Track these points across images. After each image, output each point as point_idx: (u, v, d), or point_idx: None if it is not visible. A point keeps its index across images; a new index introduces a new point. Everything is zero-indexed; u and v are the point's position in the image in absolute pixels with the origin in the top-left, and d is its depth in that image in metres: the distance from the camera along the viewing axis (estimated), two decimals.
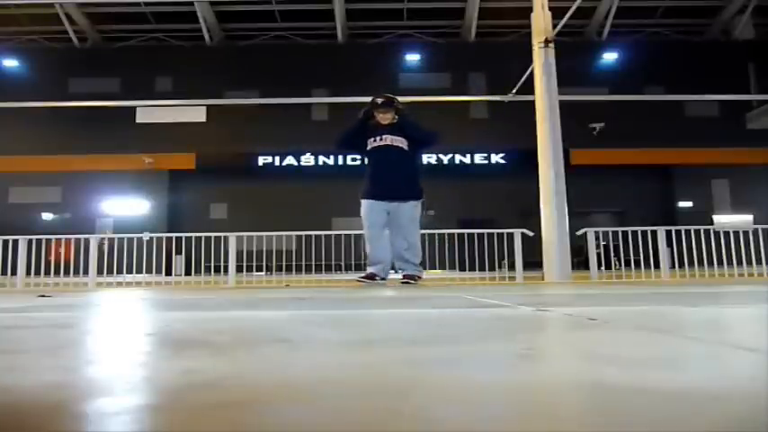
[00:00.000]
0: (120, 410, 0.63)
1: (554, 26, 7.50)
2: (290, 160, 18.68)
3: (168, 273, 10.88)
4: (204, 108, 18.50)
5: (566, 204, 7.08)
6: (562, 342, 1.32)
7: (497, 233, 7.64)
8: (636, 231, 7.84)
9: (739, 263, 7.19)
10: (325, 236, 7.99)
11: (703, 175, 18.66)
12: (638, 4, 19.17)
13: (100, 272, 7.66)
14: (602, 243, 8.34)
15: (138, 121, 18.81)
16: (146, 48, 20.27)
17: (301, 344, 1.23)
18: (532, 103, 7.56)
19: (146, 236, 8.58)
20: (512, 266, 7.26)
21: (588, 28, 19.90)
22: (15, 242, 7.36)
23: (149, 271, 8.89)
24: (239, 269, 7.70)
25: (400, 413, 0.61)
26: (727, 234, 7.51)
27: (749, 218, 12.66)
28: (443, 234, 8.20)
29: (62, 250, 7.80)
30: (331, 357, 1.02)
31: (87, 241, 7.55)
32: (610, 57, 19.62)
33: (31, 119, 17.40)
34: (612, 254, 8.60)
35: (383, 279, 5.24)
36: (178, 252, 12.18)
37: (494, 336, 1.35)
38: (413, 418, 0.59)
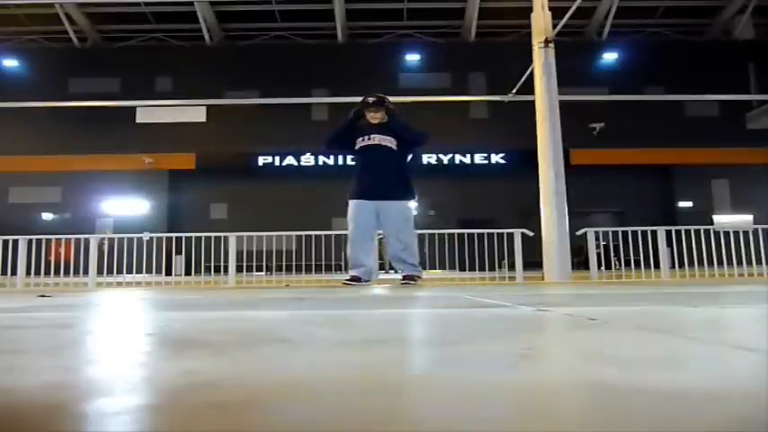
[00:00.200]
0: (120, 410, 0.63)
1: (554, 26, 7.50)
2: (290, 160, 18.69)
3: (168, 273, 10.88)
4: (204, 108, 18.50)
5: (566, 204, 7.08)
6: (562, 342, 1.32)
7: (497, 233, 7.65)
8: (636, 231, 7.85)
9: (739, 263, 7.19)
10: (325, 236, 7.99)
11: (703, 175, 18.67)
12: (638, 4, 19.18)
13: (100, 272, 7.67)
14: (602, 243, 8.34)
15: (138, 121, 18.82)
16: (146, 48, 20.28)
17: (301, 344, 1.23)
18: (532, 103, 7.56)
19: (146, 236, 8.58)
20: (512, 266, 7.26)
21: (588, 28, 19.91)
22: (15, 242, 7.36)
23: (149, 271, 8.89)
24: (239, 269, 7.71)
25: (400, 413, 0.61)
26: (727, 234, 7.52)
27: (749, 218, 12.65)
28: (443, 234, 8.20)
29: (62, 250, 7.80)
30: (331, 357, 1.02)
31: (87, 241, 7.55)
32: (610, 57, 19.63)
33: (31, 119, 17.41)
34: (612, 254, 8.60)
35: (367, 281, 5.21)
36: (178, 252, 12.18)
37: (494, 335, 1.35)
38: (412, 419, 0.59)
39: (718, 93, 15.84)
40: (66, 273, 7.53)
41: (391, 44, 20.15)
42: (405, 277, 5.14)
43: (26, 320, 2.02)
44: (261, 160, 18.69)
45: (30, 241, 7.44)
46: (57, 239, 7.80)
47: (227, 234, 7.55)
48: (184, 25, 19.73)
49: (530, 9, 7.74)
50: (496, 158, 18.87)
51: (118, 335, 1.59)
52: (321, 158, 18.52)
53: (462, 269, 8.80)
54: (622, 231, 8.26)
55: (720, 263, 7.31)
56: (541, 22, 7.43)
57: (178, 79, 19.08)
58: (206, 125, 18.75)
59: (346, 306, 2.56)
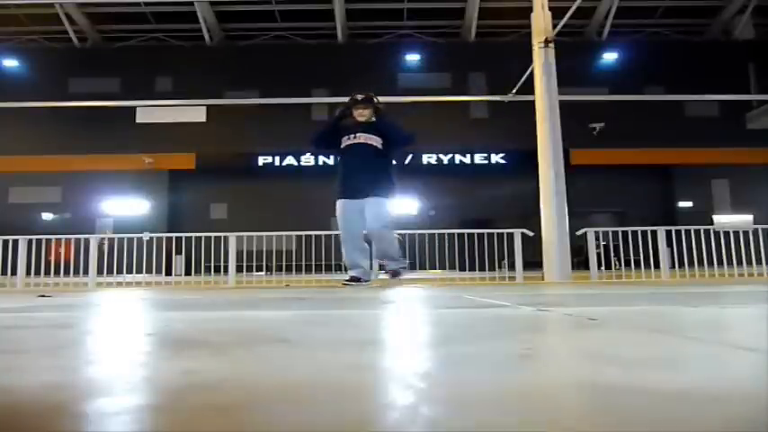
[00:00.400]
0: (120, 410, 0.63)
1: (554, 26, 7.50)
2: (290, 160, 18.68)
3: (168, 273, 10.88)
4: (204, 108, 18.50)
5: (566, 204, 7.09)
6: (562, 342, 1.32)
7: (497, 233, 7.65)
8: (636, 231, 7.85)
9: (739, 263, 7.19)
10: (326, 236, 7.99)
11: (703, 175, 18.66)
12: (638, 4, 19.17)
13: (100, 272, 7.67)
14: (602, 243, 8.34)
15: (138, 121, 18.81)
16: (146, 48, 20.27)
17: (301, 344, 1.23)
18: (532, 103, 7.56)
19: (146, 236, 8.58)
20: (512, 266, 7.26)
21: (588, 28, 19.90)
22: (15, 242, 7.36)
23: (149, 271, 8.89)
24: (239, 269, 7.71)
25: (399, 413, 0.61)
26: (727, 234, 7.52)
27: (749, 218, 12.64)
28: (443, 234, 8.20)
29: (62, 250, 7.80)
30: (331, 357, 1.02)
31: (87, 241, 7.55)
32: (610, 57, 19.62)
33: (31, 119, 17.40)
34: (612, 254, 8.60)
35: (367, 281, 5.19)
36: (178, 252, 12.18)
37: (494, 336, 1.35)
38: (412, 418, 0.59)
39: (718, 93, 15.83)
40: (66, 273, 7.53)
41: (391, 44, 20.14)
42: (391, 273, 5.15)
43: (26, 320, 2.02)
44: (261, 160, 18.68)
45: (30, 241, 7.44)
46: (57, 239, 7.80)
47: (227, 234, 7.55)
48: (184, 25, 19.73)
49: (530, 9, 7.74)
50: (496, 158, 18.87)
51: (118, 335, 1.59)
52: (321, 158, 18.51)
53: (462, 269, 8.80)
54: (622, 231, 8.26)
55: (720, 263, 7.31)
56: (541, 22, 7.43)
57: (178, 79, 19.08)
58: (206, 125, 18.75)
59: (346, 306, 2.56)
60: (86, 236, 7.75)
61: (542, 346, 1.23)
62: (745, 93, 18.17)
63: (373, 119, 5.25)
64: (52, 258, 7.63)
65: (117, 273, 8.64)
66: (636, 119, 17.62)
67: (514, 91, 10.06)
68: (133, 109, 18.45)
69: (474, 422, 0.57)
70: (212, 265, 8.65)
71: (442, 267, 9.17)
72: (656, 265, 7.49)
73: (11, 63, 19.62)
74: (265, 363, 0.97)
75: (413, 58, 20.11)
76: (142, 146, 18.06)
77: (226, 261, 7.46)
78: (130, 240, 8.33)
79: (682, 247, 7.38)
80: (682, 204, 18.74)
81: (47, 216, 18.56)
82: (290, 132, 17.91)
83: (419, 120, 16.09)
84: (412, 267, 13.63)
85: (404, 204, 17.94)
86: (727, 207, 18.38)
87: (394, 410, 0.62)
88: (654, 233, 7.45)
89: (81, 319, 2.14)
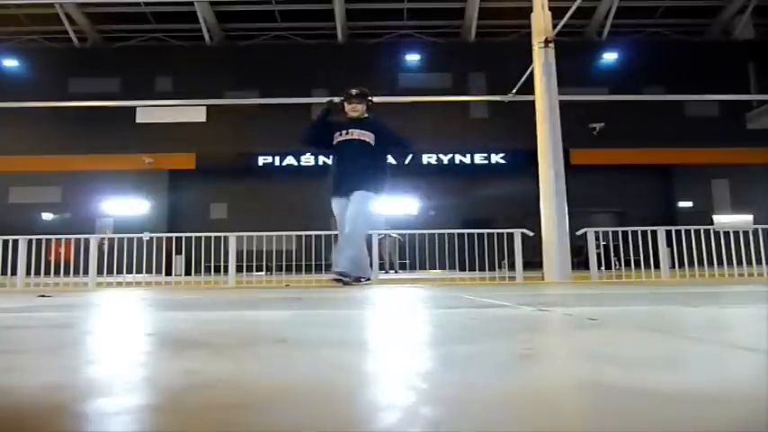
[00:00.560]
0: (120, 410, 0.63)
1: (554, 26, 7.50)
2: (290, 160, 18.68)
3: (168, 273, 10.88)
4: (204, 108, 18.50)
5: (566, 204, 7.08)
6: (562, 342, 1.32)
7: (497, 233, 7.65)
8: (636, 231, 7.85)
9: (739, 263, 7.19)
10: (326, 236, 7.99)
11: (703, 175, 18.67)
12: (638, 4, 19.17)
13: (100, 272, 7.66)
14: (602, 243, 8.34)
15: (138, 121, 18.82)
16: (146, 48, 20.28)
17: (301, 344, 1.23)
18: (532, 103, 7.56)
19: (146, 236, 8.58)
20: (512, 266, 7.26)
21: (588, 28, 19.91)
22: (15, 242, 7.36)
23: (149, 271, 8.89)
24: (239, 269, 7.70)
25: (399, 413, 0.61)
26: (727, 234, 7.52)
27: (749, 218, 12.64)
28: (443, 234, 8.20)
29: (62, 250, 7.80)
30: (331, 357, 1.02)
31: (87, 241, 7.55)
32: (610, 57, 19.63)
33: (31, 119, 17.41)
34: (612, 254, 8.60)
35: (368, 279, 5.14)
36: (178, 252, 12.18)
37: (494, 335, 1.35)
38: (411, 419, 0.59)
39: (718, 93, 15.84)
40: (66, 273, 7.53)
41: (391, 44, 20.15)
42: (337, 274, 4.83)
43: (26, 320, 2.02)
44: (261, 160, 18.68)
45: (30, 241, 7.44)
46: (57, 239, 7.80)
47: (227, 234, 7.55)
48: (184, 25, 19.73)
49: (530, 9, 7.73)
50: (496, 158, 18.87)
51: (118, 335, 1.59)
52: (321, 158, 18.52)
53: (462, 269, 8.80)
54: (622, 231, 8.26)
55: (720, 263, 7.31)
56: (541, 22, 7.43)
57: (178, 79, 19.08)
58: (206, 125, 18.75)
59: (347, 306, 2.56)
60: (86, 236, 7.75)
61: (542, 346, 1.23)
62: (745, 93, 18.18)
63: (366, 115, 5.20)
64: (52, 258, 7.63)
65: (117, 273, 8.64)
66: (636, 119, 17.62)
67: (514, 91, 10.06)
68: (133, 109, 18.45)
69: (475, 422, 0.57)
70: (212, 265, 8.65)
71: (442, 267, 9.17)
72: (656, 265, 7.48)
73: (11, 63, 19.63)
74: (265, 363, 0.97)
75: (413, 58, 20.11)
76: (142, 146, 18.07)
77: (226, 261, 7.46)
78: (130, 240, 8.33)
79: (682, 247, 7.38)
80: (682, 204, 18.74)
81: (47, 216, 18.57)
82: (290, 132, 17.84)
83: (419, 120, 16.14)
84: (411, 267, 13.68)
85: (404, 204, 17.96)
86: (727, 207, 18.39)
87: (394, 410, 0.62)
88: (654, 233, 7.45)
89: (81, 319, 2.14)
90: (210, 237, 7.83)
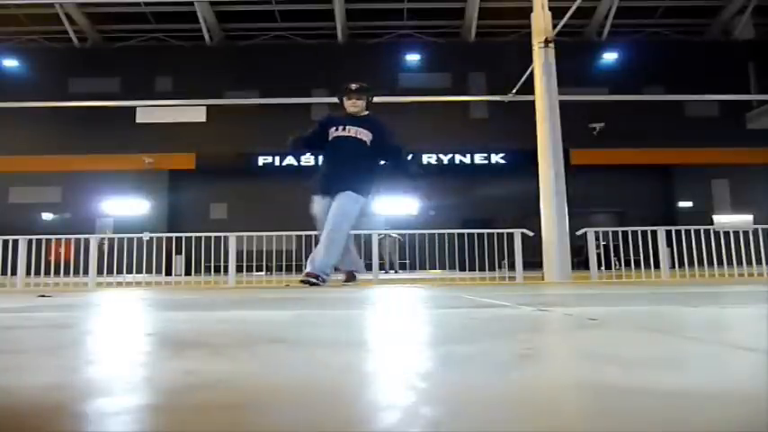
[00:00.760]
0: (120, 410, 0.63)
1: (554, 26, 7.50)
2: (290, 160, 18.68)
3: (168, 273, 10.89)
4: (204, 108, 18.50)
5: (566, 204, 7.09)
6: (562, 342, 1.32)
7: (497, 233, 7.65)
8: (636, 231, 7.85)
9: (739, 263, 7.20)
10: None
11: (703, 175, 18.67)
12: (638, 4, 19.17)
13: (100, 272, 7.67)
14: (602, 243, 8.34)
15: (138, 121, 18.82)
16: (146, 48, 20.28)
17: (301, 344, 1.23)
18: (532, 103, 7.56)
19: (146, 236, 8.59)
20: (512, 266, 7.26)
21: (588, 28, 19.90)
22: (15, 242, 7.36)
23: (149, 271, 8.90)
24: (239, 269, 7.71)
25: (399, 413, 0.61)
26: (727, 234, 7.52)
27: (749, 218, 12.63)
28: (443, 234, 8.20)
29: (62, 250, 7.80)
30: (331, 357, 1.02)
31: (87, 241, 7.55)
32: (610, 57, 19.63)
33: (31, 119, 17.41)
34: (612, 254, 8.60)
35: (353, 274, 4.96)
36: (178, 252, 12.18)
37: (494, 335, 1.35)
38: (412, 418, 0.59)
39: (718, 93, 15.84)
40: (66, 273, 7.54)
41: (391, 44, 20.15)
42: (306, 275, 4.67)
43: (26, 320, 2.02)
44: (261, 160, 18.68)
45: (30, 241, 7.44)
46: (57, 239, 7.80)
47: (227, 234, 7.55)
48: (184, 25, 19.73)
49: (530, 9, 7.74)
50: (496, 158, 18.87)
51: (118, 335, 1.59)
52: (321, 158, 18.50)
53: (462, 269, 8.81)
54: (622, 231, 8.26)
55: (720, 263, 7.31)
56: (541, 22, 7.43)
57: (178, 79, 19.08)
58: (206, 125, 18.75)
59: (347, 306, 2.56)
60: (86, 236, 7.75)
61: (542, 346, 1.23)
62: (745, 93, 18.18)
63: (365, 112, 4.99)
64: (52, 258, 7.63)
65: (117, 273, 8.65)
66: (636, 119, 17.62)
67: (514, 91, 10.06)
68: (133, 109, 18.45)
69: (475, 422, 0.57)
70: (212, 265, 8.65)
71: (442, 267, 9.17)
72: (656, 265, 7.49)
73: (11, 63, 19.63)
74: (265, 363, 0.97)
75: (413, 58, 20.11)
76: (142, 146, 18.07)
77: (226, 261, 7.46)
78: (130, 240, 8.34)
79: (682, 247, 7.38)
80: (682, 204, 18.75)
81: (47, 216, 18.57)
82: (290, 132, 17.93)
83: (419, 120, 16.16)
84: (411, 267, 13.68)
85: (404, 204, 17.96)
86: (727, 207, 18.39)
87: (394, 410, 0.62)
88: (654, 233, 7.46)
89: (81, 319, 2.13)
90: (210, 237, 7.83)
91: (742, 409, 0.61)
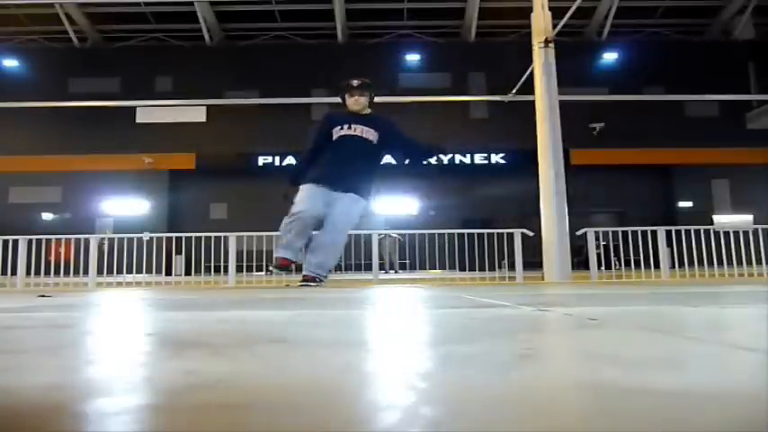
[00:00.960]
0: (120, 410, 0.63)
1: (554, 26, 7.51)
2: (290, 160, 18.67)
3: (168, 273, 10.89)
4: (204, 108, 18.51)
5: (566, 204, 7.09)
6: (562, 342, 1.32)
7: (497, 233, 7.65)
8: (636, 231, 7.86)
9: (739, 263, 7.20)
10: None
11: (703, 175, 18.67)
12: (638, 4, 19.18)
13: (100, 272, 7.67)
14: (602, 243, 8.35)
15: (138, 121, 18.82)
16: (146, 48, 20.28)
17: (301, 344, 1.23)
18: (532, 103, 7.56)
19: (146, 236, 8.59)
20: (512, 266, 7.26)
21: (588, 28, 19.91)
22: (15, 242, 7.37)
23: (149, 271, 8.90)
24: (239, 269, 7.71)
25: (399, 413, 0.61)
26: (727, 234, 7.52)
27: (749, 218, 12.63)
28: (443, 234, 8.20)
29: (62, 250, 7.80)
30: (331, 357, 1.02)
31: (87, 241, 7.55)
32: (610, 57, 19.63)
33: (31, 119, 17.41)
34: (612, 254, 8.61)
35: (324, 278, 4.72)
36: (178, 252, 12.18)
37: (494, 335, 1.35)
38: (412, 418, 0.59)
39: (718, 93, 15.85)
40: (66, 273, 7.54)
41: (391, 44, 20.15)
42: (304, 278, 4.58)
43: (26, 320, 2.01)
44: (261, 160, 18.68)
45: (30, 241, 7.45)
46: (57, 239, 7.80)
47: (227, 234, 7.55)
48: (184, 25, 19.73)
49: (530, 9, 7.74)
50: (496, 158, 18.87)
51: (118, 335, 1.59)
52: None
53: (462, 269, 8.80)
54: (622, 231, 8.27)
55: (720, 263, 7.31)
56: (541, 22, 7.44)
57: (178, 79, 19.08)
58: (206, 125, 18.76)
59: (346, 306, 2.56)
60: (86, 236, 7.76)
61: (543, 346, 1.23)
62: (745, 93, 18.19)
63: (368, 110, 4.76)
64: (52, 258, 7.63)
65: (117, 273, 8.65)
66: (636, 119, 17.62)
67: (514, 91, 10.07)
68: (133, 109, 18.45)
69: (475, 422, 0.57)
70: (212, 265, 8.65)
71: (442, 267, 9.17)
72: (656, 265, 7.49)
73: (11, 63, 19.64)
74: (265, 363, 0.97)
75: (413, 58, 20.11)
76: (142, 146, 18.08)
77: (226, 261, 7.46)
78: (130, 240, 8.34)
79: (682, 247, 7.38)
80: (682, 204, 18.75)
81: (47, 216, 18.57)
82: (290, 132, 17.93)
83: (419, 120, 16.13)
84: (411, 267, 13.68)
85: (404, 204, 17.96)
86: (728, 207, 18.39)
87: (394, 410, 0.62)
88: (654, 233, 7.46)
89: (81, 319, 2.13)
90: (210, 237, 7.83)
91: (742, 409, 0.61)
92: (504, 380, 0.80)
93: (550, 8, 7.54)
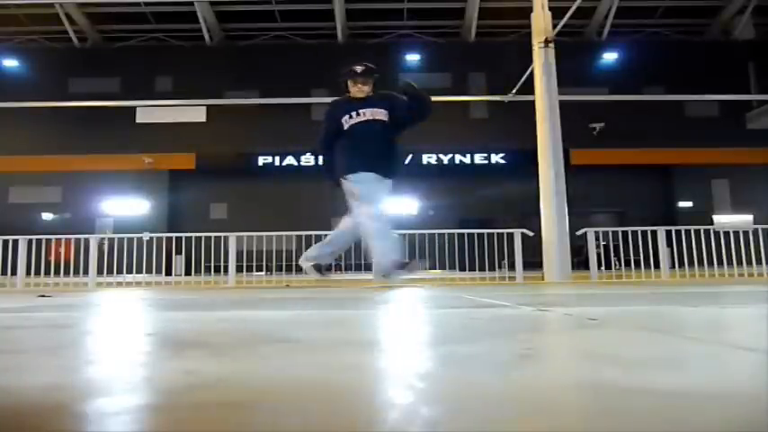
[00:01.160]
0: (120, 410, 0.63)
1: (554, 26, 7.51)
2: (289, 160, 18.68)
3: (168, 273, 10.89)
4: (204, 108, 18.50)
5: (566, 204, 7.09)
6: (562, 342, 1.32)
7: (497, 233, 7.65)
8: (636, 231, 7.85)
9: (739, 263, 7.20)
10: (325, 236, 7.98)
11: (703, 175, 18.66)
12: (638, 4, 19.17)
13: (100, 272, 7.67)
14: (602, 243, 8.34)
15: (138, 121, 18.82)
16: (146, 48, 20.27)
17: (301, 344, 1.23)
18: (532, 103, 7.56)
19: (146, 236, 8.59)
20: (512, 266, 7.26)
21: (588, 28, 19.90)
22: (15, 242, 7.36)
23: (149, 271, 8.89)
24: (239, 269, 7.71)
25: (398, 413, 0.61)
26: (727, 234, 7.52)
27: (749, 218, 12.62)
28: (443, 234, 8.20)
29: (62, 250, 7.80)
30: (331, 357, 1.02)
31: (87, 241, 7.55)
32: (610, 57, 19.62)
33: (31, 119, 17.41)
34: (612, 254, 8.60)
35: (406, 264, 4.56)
36: (178, 252, 12.19)
37: (494, 335, 1.35)
38: (412, 418, 0.59)
39: (718, 93, 15.84)
40: (66, 273, 7.53)
41: (391, 44, 20.14)
42: (320, 267, 4.61)
43: (26, 320, 2.01)
44: (261, 160, 18.68)
45: (30, 241, 7.44)
46: (57, 239, 7.80)
47: (228, 234, 7.55)
48: (184, 25, 19.72)
49: (530, 9, 7.74)
50: (496, 158, 18.87)
51: (118, 335, 1.59)
52: (321, 158, 18.48)
53: (462, 269, 8.80)
54: (622, 231, 8.26)
55: (720, 263, 7.31)
56: (541, 22, 7.44)
57: (178, 79, 19.08)
58: (206, 125, 18.75)
59: (346, 306, 2.56)
60: (86, 236, 7.75)
61: (543, 346, 1.23)
62: (745, 93, 18.18)
63: (372, 93, 4.60)
64: (52, 258, 7.63)
65: (117, 273, 8.64)
66: (636, 119, 17.62)
67: (514, 91, 10.07)
68: (133, 109, 18.45)
69: (475, 422, 0.57)
70: (212, 265, 8.65)
71: (442, 267, 9.17)
72: (656, 265, 7.49)
73: (11, 63, 19.62)
74: (265, 363, 0.97)
75: (413, 58, 20.10)
76: (142, 146, 18.07)
77: (226, 261, 7.46)
78: (130, 240, 8.33)
79: (682, 247, 7.38)
80: (682, 204, 18.74)
81: (47, 216, 18.56)
82: (290, 132, 17.95)
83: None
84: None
85: (404, 204, 17.95)
86: (728, 207, 18.39)
87: (394, 410, 0.62)
88: (654, 233, 7.45)
89: (81, 319, 2.13)
90: (210, 237, 7.83)
91: (742, 409, 0.61)
92: (505, 379, 0.80)
93: (550, 8, 7.55)
